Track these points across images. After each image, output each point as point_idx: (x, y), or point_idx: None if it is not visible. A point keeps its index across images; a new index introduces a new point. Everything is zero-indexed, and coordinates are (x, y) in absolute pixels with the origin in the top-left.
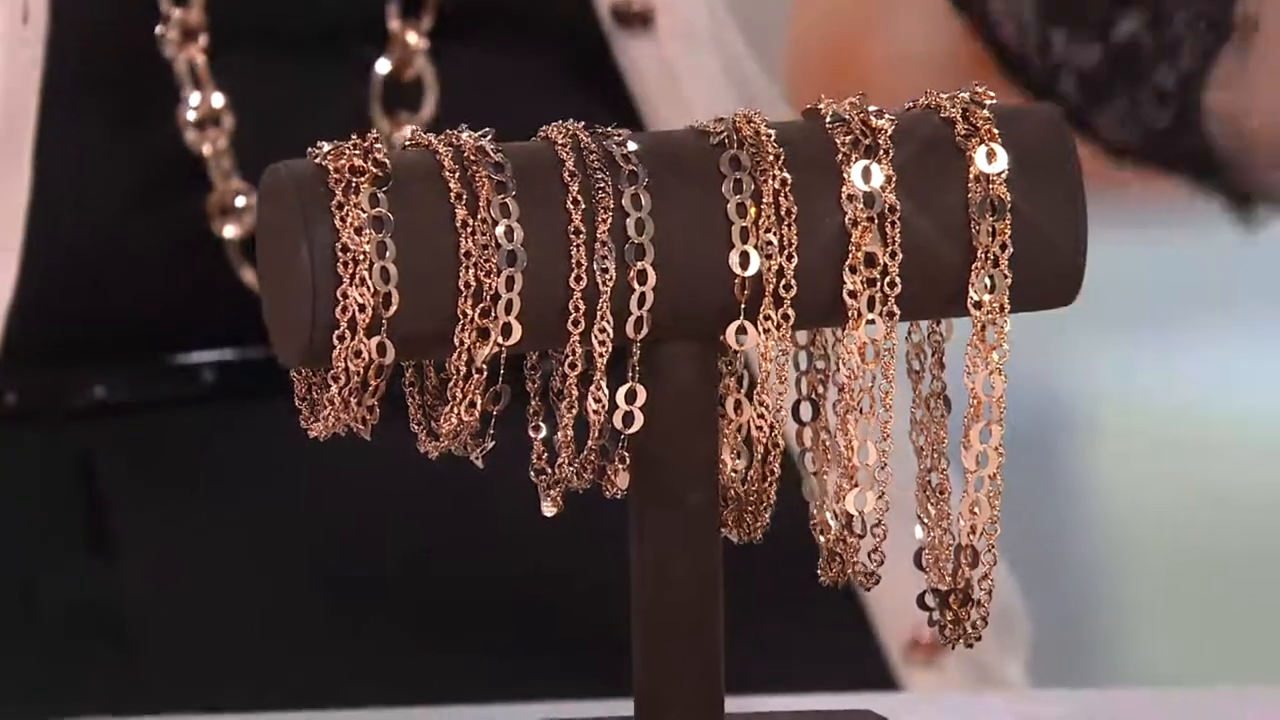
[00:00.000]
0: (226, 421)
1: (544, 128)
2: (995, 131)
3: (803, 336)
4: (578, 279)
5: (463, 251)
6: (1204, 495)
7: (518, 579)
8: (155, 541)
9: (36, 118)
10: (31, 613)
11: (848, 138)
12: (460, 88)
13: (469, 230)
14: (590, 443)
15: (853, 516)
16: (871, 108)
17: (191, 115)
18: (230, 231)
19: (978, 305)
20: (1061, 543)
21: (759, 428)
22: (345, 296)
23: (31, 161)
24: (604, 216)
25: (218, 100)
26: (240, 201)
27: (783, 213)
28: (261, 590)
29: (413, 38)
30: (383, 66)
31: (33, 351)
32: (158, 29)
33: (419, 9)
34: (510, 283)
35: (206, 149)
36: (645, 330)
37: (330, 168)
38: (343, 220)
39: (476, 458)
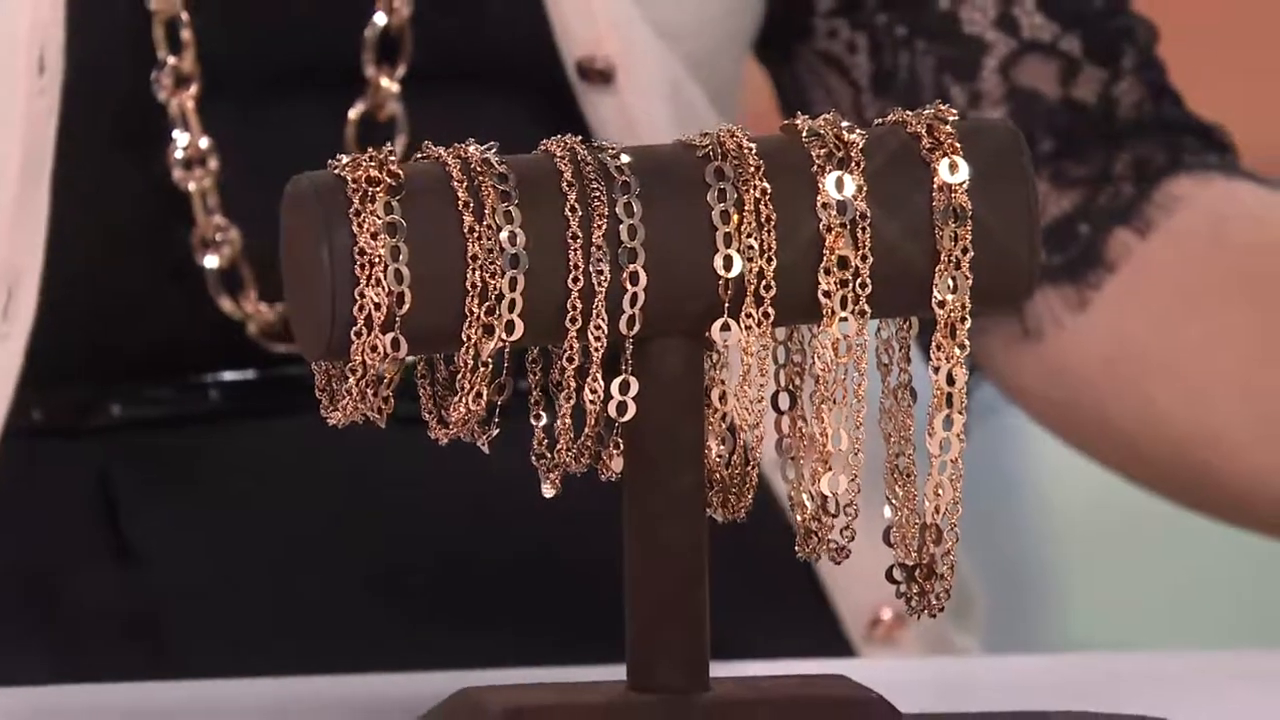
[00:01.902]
0: (230, 434)
1: (544, 142)
2: (957, 145)
3: (781, 333)
4: (575, 280)
5: (470, 255)
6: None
7: (519, 557)
8: (168, 544)
9: (54, 160)
10: (53, 611)
11: (822, 150)
12: (433, 133)
13: (475, 235)
14: (587, 430)
15: (827, 497)
16: (844, 123)
17: (179, 155)
18: (211, 262)
19: (941, 304)
20: (999, 517)
21: (741, 416)
22: (362, 296)
23: (49, 200)
24: (599, 223)
25: (204, 142)
26: (220, 236)
27: (763, 219)
28: (266, 584)
29: (386, 82)
30: (356, 111)
31: (55, 371)
32: (153, 74)
33: (394, 57)
34: (513, 283)
35: (192, 186)
36: (637, 327)
37: (349, 178)
38: (360, 226)
39: (482, 443)
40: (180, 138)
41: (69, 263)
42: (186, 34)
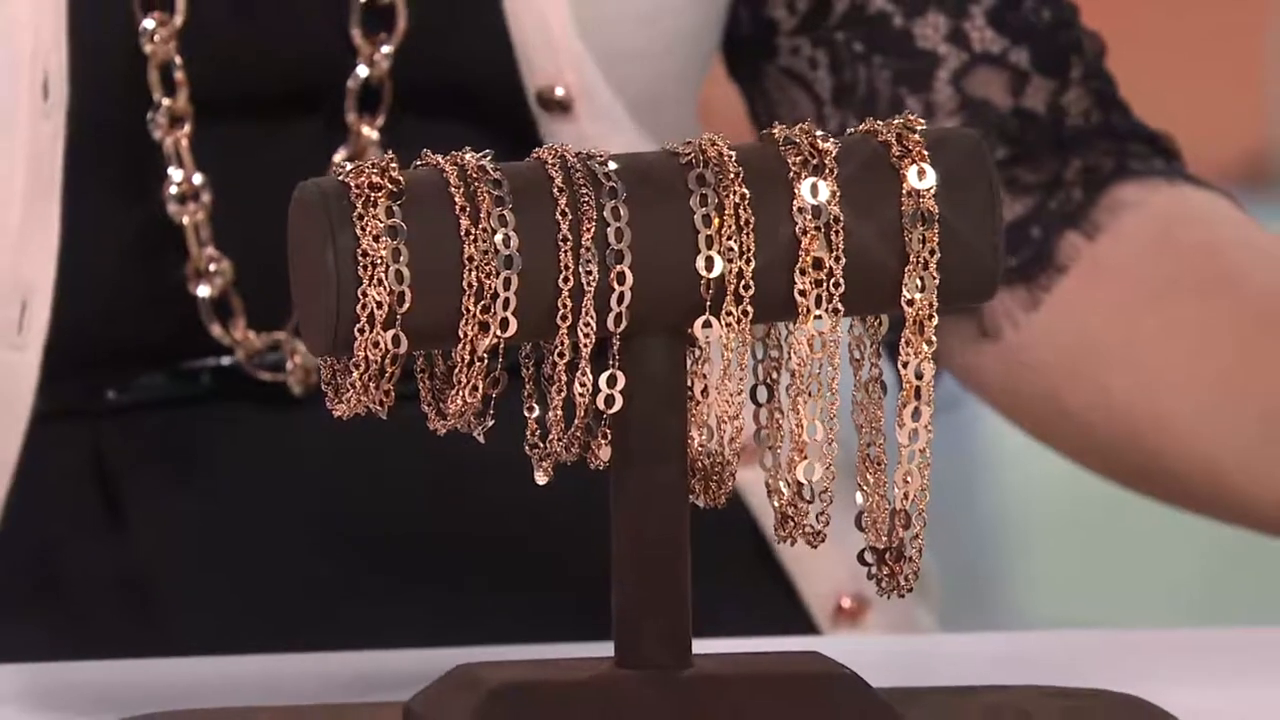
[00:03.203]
0: (222, 411)
1: (536, 150)
2: (925, 153)
3: (760, 330)
4: (565, 280)
5: (466, 256)
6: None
7: (511, 539)
8: (162, 514)
9: (63, 181)
10: (50, 581)
11: (798, 158)
12: (407, 162)
13: (471, 238)
14: (577, 421)
15: (803, 485)
16: (818, 132)
17: (174, 190)
18: (203, 291)
19: (910, 303)
20: (959, 501)
21: (722, 408)
22: (365, 295)
23: (59, 219)
24: (588, 226)
25: (197, 178)
26: (213, 267)
27: (742, 223)
28: (252, 552)
29: (367, 130)
30: (340, 156)
31: (59, 372)
32: (149, 115)
33: (375, 106)
34: (507, 283)
35: (186, 220)
36: (624, 324)
37: (352, 184)
38: (363, 229)
39: (478, 433)
40: (175, 174)
41: (80, 279)
42: (180, 75)
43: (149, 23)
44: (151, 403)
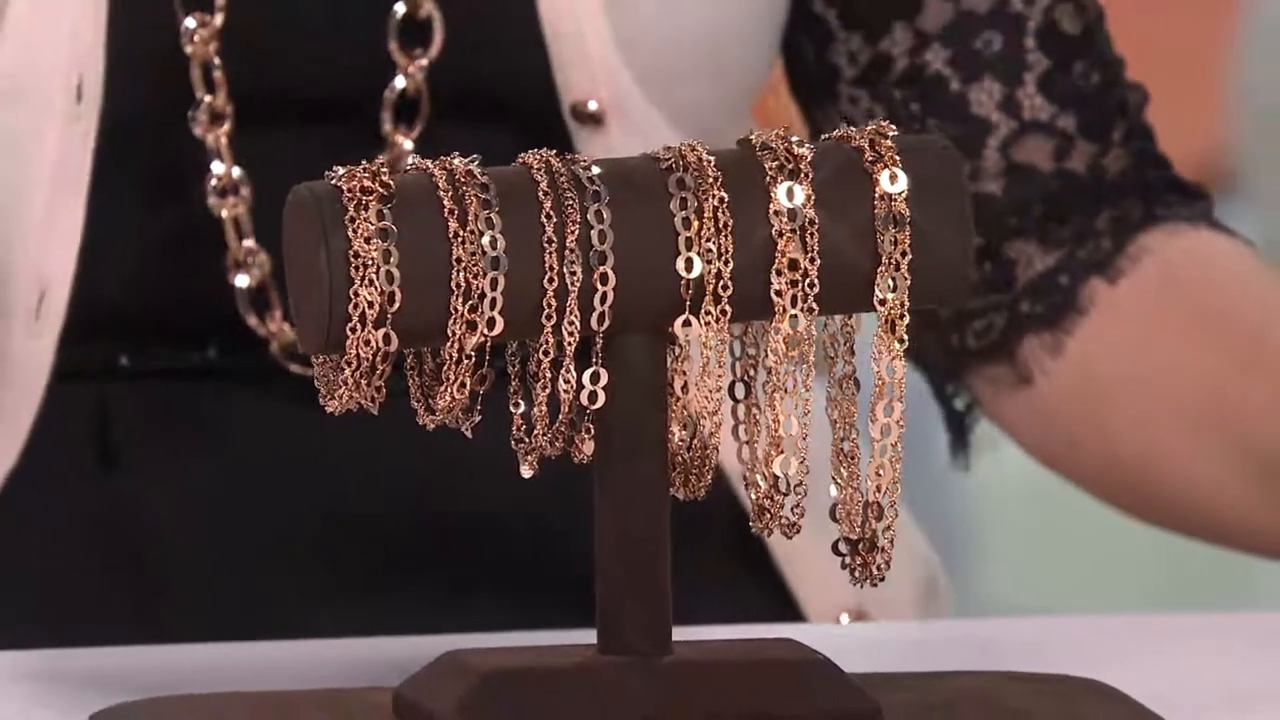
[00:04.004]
0: (226, 382)
1: (521, 155)
2: (897, 158)
3: (738, 328)
4: (550, 280)
5: (454, 258)
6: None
7: (498, 529)
8: (157, 469)
9: (91, 181)
10: (54, 527)
11: (774, 163)
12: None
13: (460, 240)
14: (561, 417)
15: (779, 478)
16: (794, 138)
17: (214, 184)
18: (242, 281)
19: (882, 302)
20: (929, 494)
21: (701, 404)
22: (356, 295)
23: (84, 211)
24: (572, 228)
25: (236, 172)
26: (250, 259)
27: (720, 225)
28: (245, 510)
29: (403, 139)
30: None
31: (73, 350)
32: (190, 112)
33: (412, 117)
34: (494, 283)
35: (225, 213)
36: (606, 323)
37: (344, 188)
38: (354, 231)
39: (466, 428)
40: (216, 168)
41: (100, 273)
42: (219, 75)
43: (190, 22)
44: (158, 370)
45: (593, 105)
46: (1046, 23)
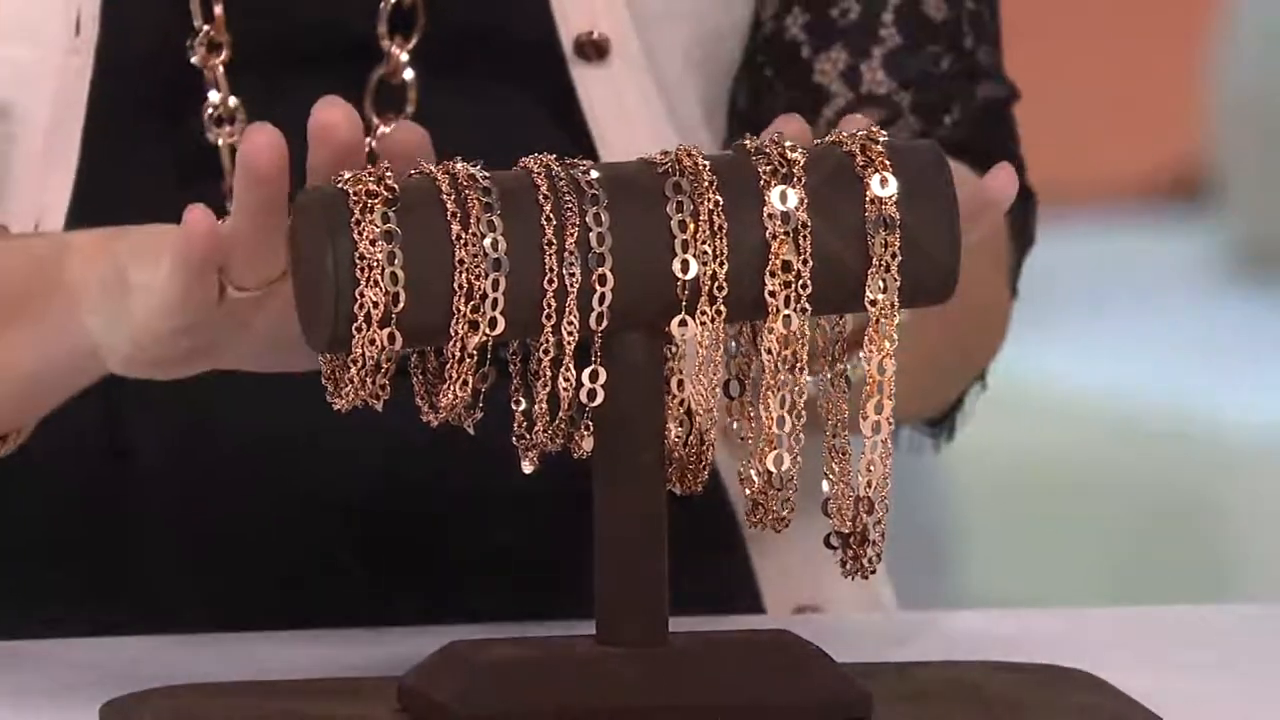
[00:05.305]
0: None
1: (522, 159)
2: (887, 163)
3: (732, 328)
4: (550, 281)
5: (457, 259)
6: (1042, 451)
7: (496, 521)
8: (159, 448)
9: (85, 115)
10: (60, 503)
11: (768, 167)
12: (442, 110)
13: (462, 242)
14: (561, 414)
15: (772, 473)
16: (787, 143)
17: (211, 113)
18: None
19: (873, 303)
20: (917, 488)
21: (697, 402)
22: (362, 296)
23: (79, 149)
24: (571, 231)
25: (233, 101)
26: None
27: (715, 228)
28: (240, 485)
29: (398, 50)
30: (373, 76)
31: None
32: (188, 40)
33: (408, 30)
34: (495, 284)
35: (222, 142)
36: (605, 323)
37: (350, 191)
38: (360, 234)
39: (468, 425)
40: (213, 96)
41: (96, 204)
42: (218, 8)
43: None
44: None
45: (597, 35)
46: (909, 2)
